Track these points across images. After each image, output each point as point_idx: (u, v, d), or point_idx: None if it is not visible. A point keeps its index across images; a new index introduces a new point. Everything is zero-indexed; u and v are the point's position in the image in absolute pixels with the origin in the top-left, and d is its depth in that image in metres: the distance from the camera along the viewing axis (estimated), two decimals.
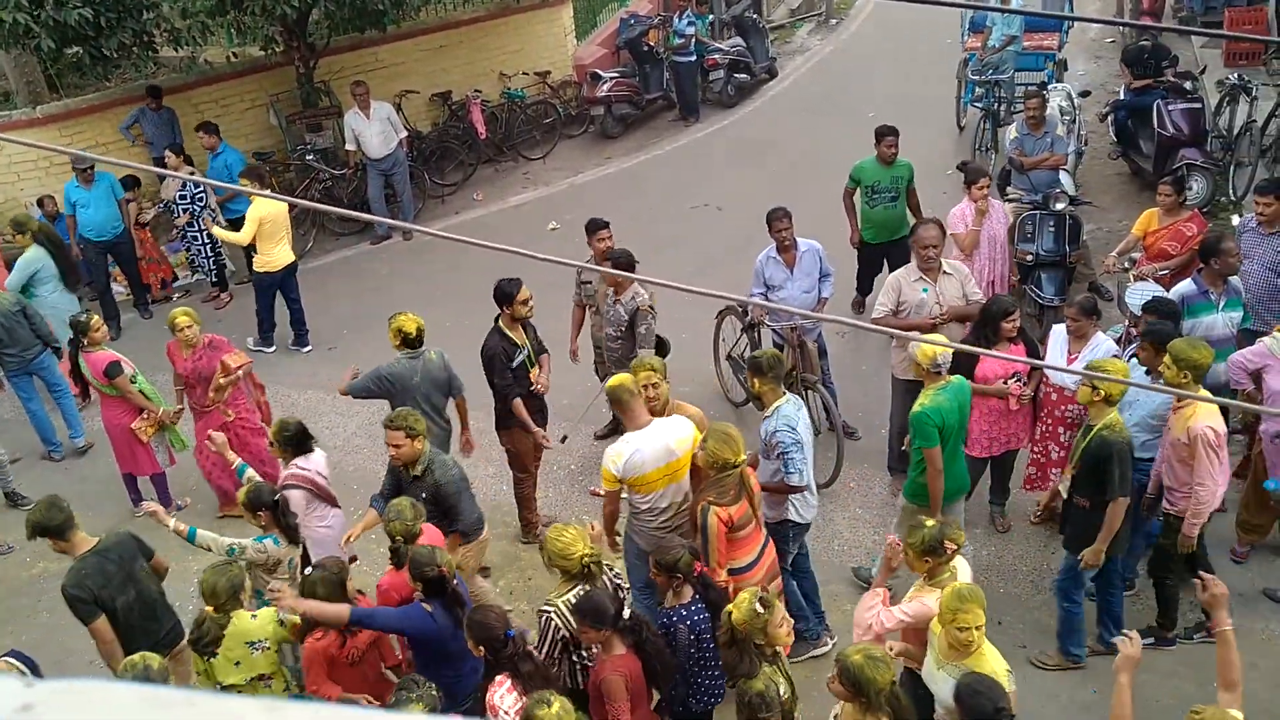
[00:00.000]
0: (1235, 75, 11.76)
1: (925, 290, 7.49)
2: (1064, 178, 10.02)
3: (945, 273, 7.54)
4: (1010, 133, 10.60)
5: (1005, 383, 6.91)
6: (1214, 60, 13.62)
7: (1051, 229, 9.35)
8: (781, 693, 4.74)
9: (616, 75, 15.42)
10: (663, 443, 5.93)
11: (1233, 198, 10.84)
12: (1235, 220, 8.89)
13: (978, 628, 4.57)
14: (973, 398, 6.62)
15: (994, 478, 7.53)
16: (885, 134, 9.41)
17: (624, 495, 6.10)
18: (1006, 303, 7.04)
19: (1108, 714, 4.55)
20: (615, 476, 5.94)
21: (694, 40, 15.20)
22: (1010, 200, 9.87)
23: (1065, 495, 6.29)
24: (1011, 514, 7.66)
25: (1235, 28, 13.35)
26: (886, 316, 7.57)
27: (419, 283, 11.68)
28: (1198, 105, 10.91)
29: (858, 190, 9.54)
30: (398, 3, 12.72)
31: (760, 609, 4.71)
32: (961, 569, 5.22)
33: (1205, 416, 5.96)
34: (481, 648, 4.79)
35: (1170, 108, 10.83)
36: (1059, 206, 9.34)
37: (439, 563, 5.14)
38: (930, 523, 5.17)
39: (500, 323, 7.30)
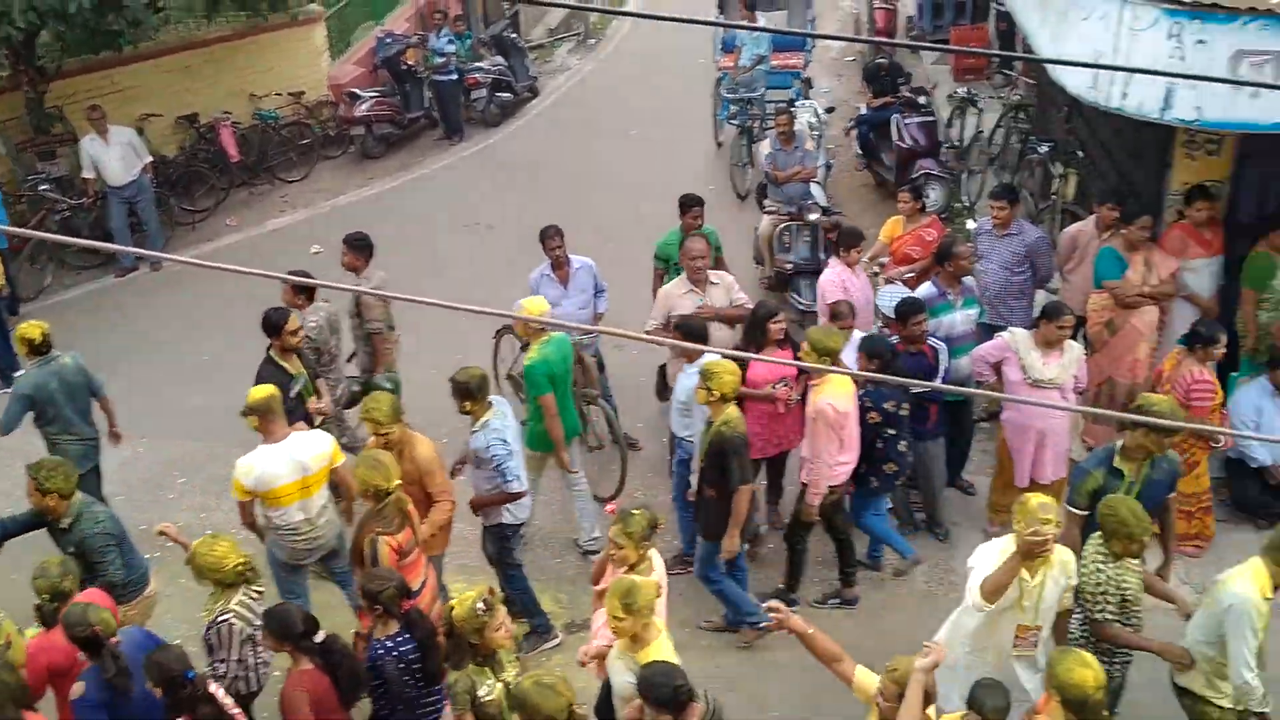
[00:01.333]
0: (963, 89, 12.74)
1: (699, 302, 7.70)
2: (815, 190, 10.55)
3: (713, 283, 7.78)
4: (764, 148, 11.06)
5: (774, 387, 7.18)
6: (943, 76, 14.74)
7: (807, 239, 9.83)
8: (484, 694, 4.81)
9: (376, 95, 15.11)
10: (295, 458, 6.11)
11: (967, 203, 11.71)
12: (970, 224, 9.61)
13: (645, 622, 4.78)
14: (745, 402, 6.88)
15: (768, 477, 7.80)
16: (690, 204, 8.61)
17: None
18: (771, 306, 7.35)
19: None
20: (245, 488, 6.11)
21: (454, 59, 15.09)
22: (768, 212, 10.30)
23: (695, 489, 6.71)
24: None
25: (960, 45, 14.45)
26: (658, 329, 7.74)
27: (172, 315, 11.05)
28: (931, 119, 11.74)
29: (667, 269, 8.56)
30: (135, 23, 11.95)
31: (481, 608, 4.78)
32: (656, 561, 5.47)
33: (829, 394, 6.49)
34: (160, 689, 4.71)
35: (907, 121, 11.60)
36: (812, 217, 9.84)
37: (91, 622, 4.88)
38: (638, 511, 5.33)
39: (272, 353, 7.07)
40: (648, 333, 7.85)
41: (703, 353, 6.51)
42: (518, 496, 6.45)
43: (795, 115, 10.96)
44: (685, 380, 6.97)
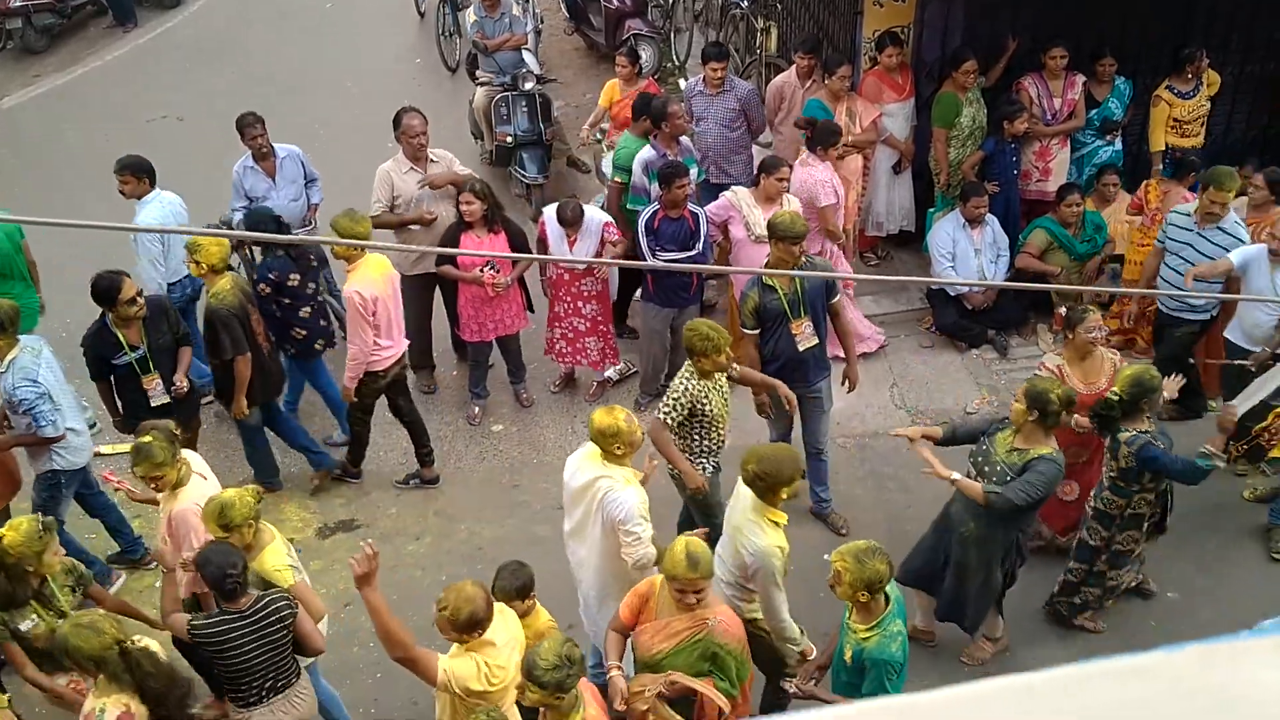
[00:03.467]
0: None
1: (420, 179, 7.45)
2: (527, 57, 10.31)
3: (432, 160, 7.54)
4: (469, 16, 10.69)
5: (481, 270, 7.11)
6: None
7: (524, 109, 9.65)
8: (26, 627, 4.81)
9: None
10: None
11: (677, 63, 11.82)
12: (683, 84, 9.71)
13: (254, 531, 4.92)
14: (458, 285, 7.16)
15: (506, 361, 7.81)
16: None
17: None
18: (472, 182, 7.18)
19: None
20: None
21: None
22: (481, 84, 10.02)
23: None
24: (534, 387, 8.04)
25: None
26: (384, 212, 7.46)
27: None
28: None
29: (626, 185, 7.93)
30: None
31: (42, 531, 4.75)
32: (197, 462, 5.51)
33: (355, 280, 6.48)
34: None
35: None
36: (528, 86, 9.65)
37: None
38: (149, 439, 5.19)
39: (110, 320, 6.25)
40: (373, 219, 7.54)
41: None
42: (52, 440, 6.03)
43: None
44: None
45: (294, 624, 4.70)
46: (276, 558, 4.99)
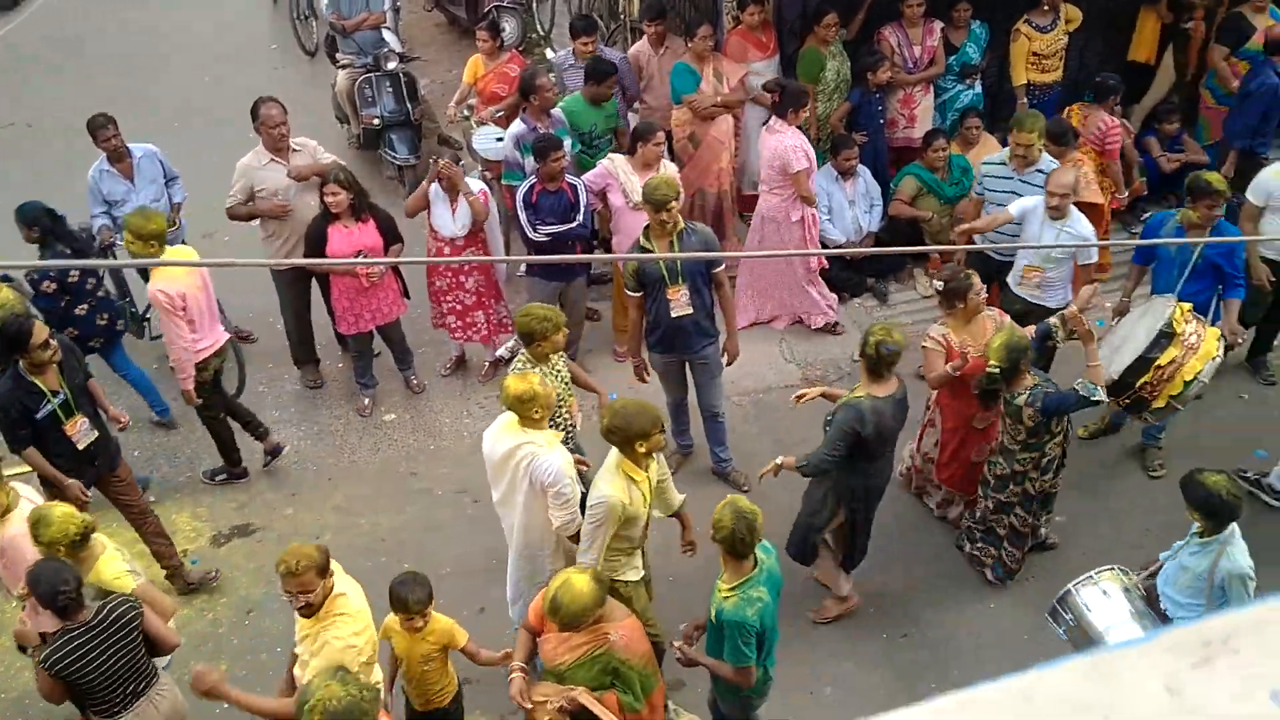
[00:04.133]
0: None
1: (284, 171, 7.24)
2: (388, 36, 10.09)
3: (295, 149, 7.32)
4: None
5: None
6: None
7: (390, 90, 9.45)
8: None
9: None
10: None
11: (541, 33, 11.69)
12: (550, 54, 9.61)
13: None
14: (330, 276, 7.07)
15: (390, 350, 7.70)
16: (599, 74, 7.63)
17: None
18: (335, 171, 6.97)
19: None
20: None
21: None
22: (342, 66, 9.78)
23: None
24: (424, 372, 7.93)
25: None
26: (238, 205, 7.25)
27: None
28: None
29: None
30: None
31: None
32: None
33: (157, 280, 6.22)
34: None
35: None
36: (391, 66, 9.45)
37: None
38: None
39: (21, 367, 5.71)
40: (228, 211, 7.31)
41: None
42: None
43: None
44: None
45: (142, 625, 4.67)
46: (112, 566, 4.92)
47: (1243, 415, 7.40)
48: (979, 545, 6.26)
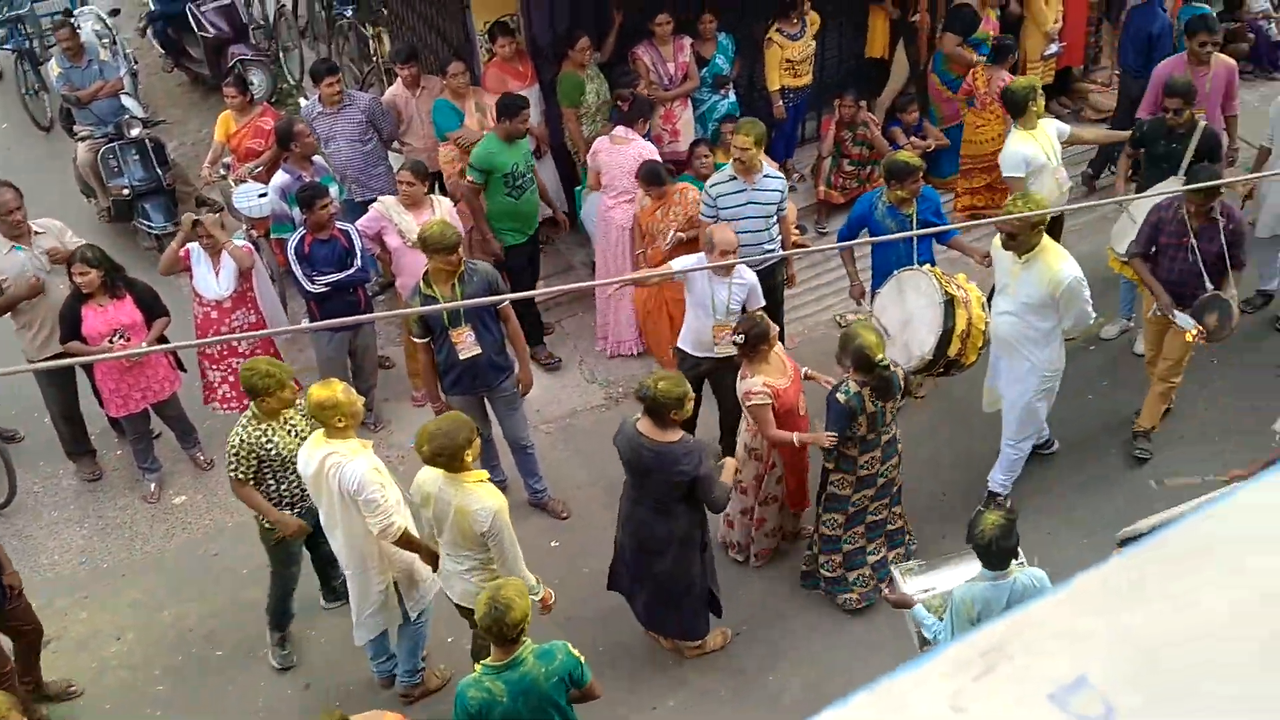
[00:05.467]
0: None
1: (19, 250, 6.78)
2: (128, 101, 9.60)
3: (38, 232, 6.86)
4: (53, 69, 9.81)
5: (110, 341, 6.59)
6: None
7: (136, 157, 9.01)
8: None
9: None
10: None
11: (292, 83, 11.36)
12: (303, 103, 9.34)
13: None
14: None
15: (171, 430, 7.37)
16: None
17: None
18: (81, 251, 6.60)
19: None
20: None
21: None
22: (82, 139, 9.24)
23: None
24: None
25: None
26: None
27: None
28: (228, 1, 11.05)
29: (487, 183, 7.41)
30: None
31: None
32: None
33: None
34: None
35: (203, 9, 10.81)
36: (135, 133, 9.01)
37: None
38: None
39: None
40: None
41: None
42: None
43: (77, 26, 9.80)
44: None
45: None
46: None
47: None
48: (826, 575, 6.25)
